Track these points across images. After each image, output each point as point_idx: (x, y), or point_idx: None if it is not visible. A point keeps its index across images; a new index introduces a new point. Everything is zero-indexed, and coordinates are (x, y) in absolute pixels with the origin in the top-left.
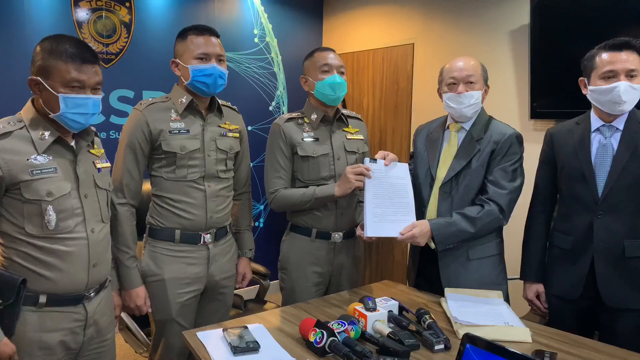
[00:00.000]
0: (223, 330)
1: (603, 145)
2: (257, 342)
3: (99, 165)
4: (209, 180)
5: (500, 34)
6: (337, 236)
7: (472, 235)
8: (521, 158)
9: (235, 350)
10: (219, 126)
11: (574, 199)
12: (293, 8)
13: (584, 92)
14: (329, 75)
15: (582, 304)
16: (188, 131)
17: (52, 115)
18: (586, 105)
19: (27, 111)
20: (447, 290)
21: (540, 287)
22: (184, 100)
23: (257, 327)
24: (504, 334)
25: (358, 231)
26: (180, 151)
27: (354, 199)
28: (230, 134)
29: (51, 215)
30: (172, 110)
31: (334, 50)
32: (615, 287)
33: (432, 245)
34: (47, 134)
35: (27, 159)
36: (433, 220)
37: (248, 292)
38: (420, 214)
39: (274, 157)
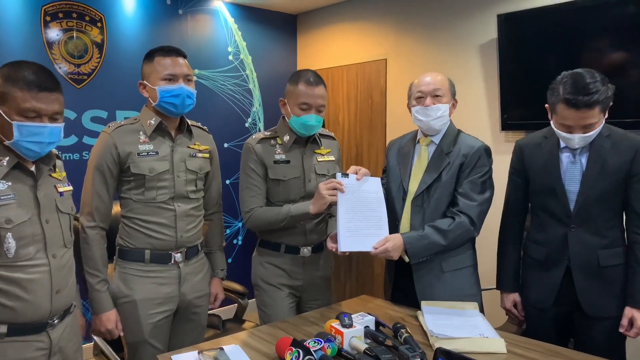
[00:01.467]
0: (198, 352)
1: (572, 162)
2: None
3: (60, 189)
4: (178, 200)
5: (470, 48)
6: (306, 250)
7: (444, 248)
8: (490, 170)
9: None
10: (189, 147)
11: (546, 212)
12: (267, 25)
13: (549, 117)
14: (306, 114)
15: (558, 311)
16: (157, 153)
17: (6, 142)
18: None
19: None
20: (423, 304)
21: (516, 297)
22: (152, 122)
23: (233, 348)
24: (479, 346)
25: (328, 244)
26: (149, 173)
27: (324, 213)
28: (200, 155)
29: (10, 242)
30: (141, 132)
31: (321, 82)
32: (594, 296)
33: (406, 259)
34: (5, 160)
35: None
36: (406, 234)
37: (226, 312)
38: (394, 227)
39: (248, 176)
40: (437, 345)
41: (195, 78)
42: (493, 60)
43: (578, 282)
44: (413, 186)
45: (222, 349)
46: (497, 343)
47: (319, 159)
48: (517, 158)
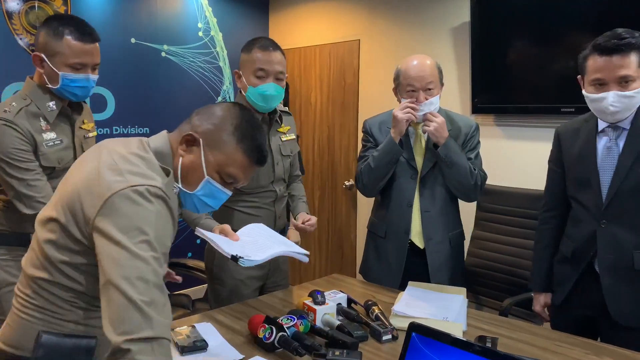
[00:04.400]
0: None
1: (608, 148)
2: (204, 340)
3: (89, 135)
4: None
5: (442, 30)
6: None
7: (469, 172)
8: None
9: (183, 350)
10: (81, 127)
11: (579, 204)
12: (238, 2)
13: (583, 92)
14: (262, 83)
15: (582, 313)
16: (61, 141)
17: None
18: (527, 100)
19: None
20: (409, 284)
21: (548, 298)
22: (52, 106)
23: (204, 326)
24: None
25: (293, 222)
26: (58, 164)
27: (285, 200)
28: (90, 134)
29: None
30: (41, 118)
31: (277, 48)
32: (626, 303)
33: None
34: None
35: None
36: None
37: (195, 292)
38: (407, 206)
39: None
40: (393, 322)
41: (169, 52)
42: (465, 43)
43: (605, 283)
44: (419, 165)
45: (193, 326)
46: (454, 327)
47: (282, 139)
48: (554, 147)
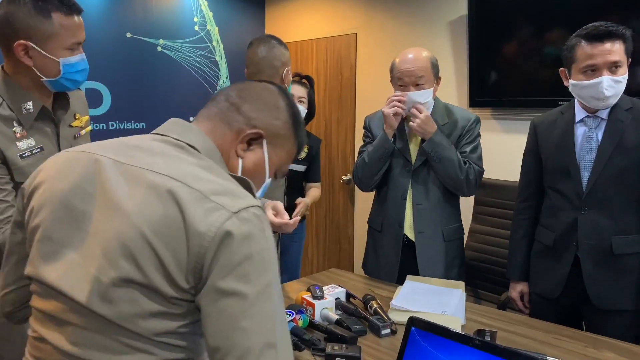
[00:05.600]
0: None
1: (587, 137)
2: None
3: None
4: None
5: (439, 24)
6: None
7: (458, 166)
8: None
9: None
10: (70, 125)
11: (558, 194)
12: None
13: (565, 83)
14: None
15: (565, 302)
16: (42, 148)
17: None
18: (524, 94)
19: None
20: (408, 278)
21: (525, 287)
22: (29, 107)
23: None
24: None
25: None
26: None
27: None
28: (83, 131)
29: None
30: (15, 123)
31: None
32: (604, 287)
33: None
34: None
35: None
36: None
37: None
38: (400, 200)
39: None
40: (392, 316)
41: (165, 46)
42: (462, 37)
43: (586, 270)
44: (412, 158)
45: None
46: (453, 321)
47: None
48: (530, 137)
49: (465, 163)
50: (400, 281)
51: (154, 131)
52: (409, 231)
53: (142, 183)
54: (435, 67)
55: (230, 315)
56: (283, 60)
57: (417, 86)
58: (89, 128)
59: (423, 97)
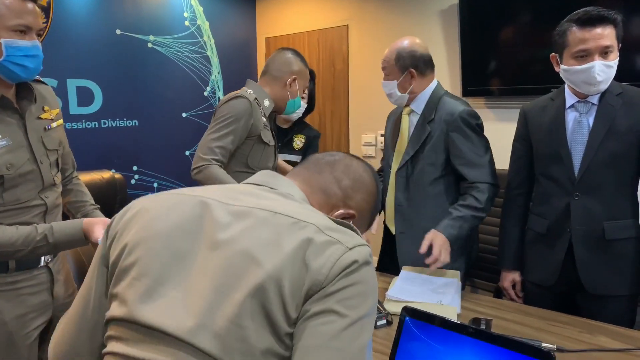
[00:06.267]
0: None
1: (578, 122)
2: None
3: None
4: (46, 191)
5: (431, 14)
6: None
7: (477, 219)
8: (479, 127)
9: None
10: (39, 117)
11: (550, 180)
12: None
13: (556, 69)
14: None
15: (559, 289)
16: (8, 140)
17: None
18: (517, 82)
19: None
20: (403, 268)
21: (516, 276)
22: None
23: None
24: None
25: None
26: (8, 171)
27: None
28: (54, 124)
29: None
30: None
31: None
32: (597, 272)
33: None
34: None
35: None
36: (444, 231)
37: None
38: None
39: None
40: (387, 306)
41: (155, 42)
42: (454, 26)
43: (579, 256)
44: (398, 157)
45: None
46: (449, 311)
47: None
48: (520, 124)
49: (473, 195)
50: (384, 270)
51: (246, 181)
52: (390, 223)
53: (253, 219)
54: (401, 59)
55: (323, 333)
56: (292, 69)
57: (386, 76)
58: (61, 121)
59: (387, 88)
